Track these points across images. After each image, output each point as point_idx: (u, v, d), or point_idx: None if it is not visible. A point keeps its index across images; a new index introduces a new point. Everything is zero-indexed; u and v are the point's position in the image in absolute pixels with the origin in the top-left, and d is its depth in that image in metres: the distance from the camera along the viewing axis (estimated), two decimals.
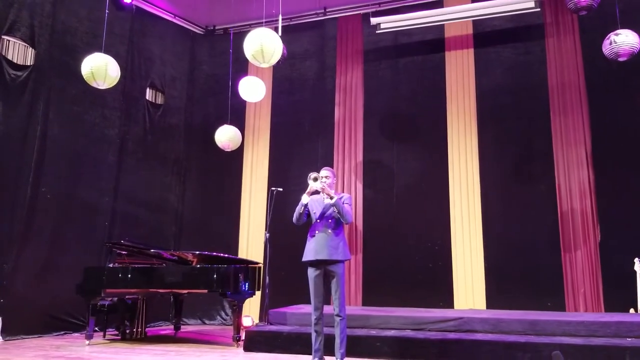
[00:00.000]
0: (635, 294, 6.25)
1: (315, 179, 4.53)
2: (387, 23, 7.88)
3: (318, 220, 4.55)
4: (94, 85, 5.91)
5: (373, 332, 5.27)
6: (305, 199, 4.58)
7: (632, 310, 6.29)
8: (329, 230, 4.50)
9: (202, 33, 9.45)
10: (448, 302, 7.29)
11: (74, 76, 7.03)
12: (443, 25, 8.01)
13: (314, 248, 4.46)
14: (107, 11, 7.01)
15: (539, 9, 7.37)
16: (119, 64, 6.08)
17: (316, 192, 4.59)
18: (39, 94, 6.95)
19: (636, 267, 6.31)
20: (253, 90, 6.88)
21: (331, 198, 4.47)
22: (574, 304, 6.80)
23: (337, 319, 4.38)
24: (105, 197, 7.69)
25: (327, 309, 4.51)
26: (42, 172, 6.89)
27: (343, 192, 7.83)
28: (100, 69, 5.79)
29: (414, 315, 5.58)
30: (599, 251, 6.87)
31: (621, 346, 4.47)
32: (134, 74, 8.35)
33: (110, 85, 6.03)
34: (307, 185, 4.56)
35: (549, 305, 6.83)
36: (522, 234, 7.24)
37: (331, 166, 8.02)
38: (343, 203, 4.53)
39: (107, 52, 6.15)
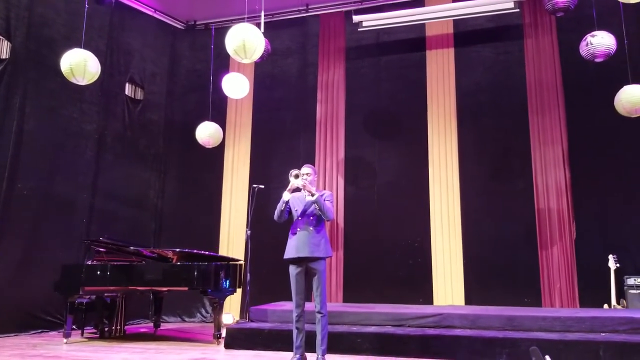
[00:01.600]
0: (609, 290, 6.41)
1: (297, 176, 4.53)
2: (369, 21, 7.92)
3: (299, 218, 4.56)
4: (74, 81, 5.82)
5: (354, 329, 5.30)
6: (286, 195, 4.58)
7: (606, 306, 6.45)
8: (311, 228, 4.50)
9: (182, 28, 9.37)
10: (428, 299, 7.37)
11: (51, 70, 6.91)
12: (424, 24, 8.09)
13: (296, 245, 4.47)
14: (86, 5, 6.90)
15: (518, 10, 7.51)
16: (97, 58, 5.98)
17: (297, 190, 4.59)
18: (15, 87, 6.81)
19: (610, 264, 6.47)
20: (237, 86, 6.84)
21: (312, 195, 4.48)
22: (550, 300, 6.93)
23: (319, 315, 4.40)
24: (84, 194, 7.57)
25: (308, 306, 4.53)
26: (19, 167, 6.76)
27: (325, 189, 7.87)
28: (79, 65, 5.71)
29: (394, 312, 5.64)
30: (575, 248, 7.01)
31: (595, 341, 4.57)
32: (113, 69, 8.23)
33: (91, 81, 5.94)
34: (289, 182, 4.57)
35: (526, 301, 6.96)
36: (500, 231, 7.36)
37: (313, 163, 8.04)
38: (324, 200, 4.54)
39: (85, 46, 6.06)
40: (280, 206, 4.59)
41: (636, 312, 5.40)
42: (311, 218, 4.53)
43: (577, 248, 7.01)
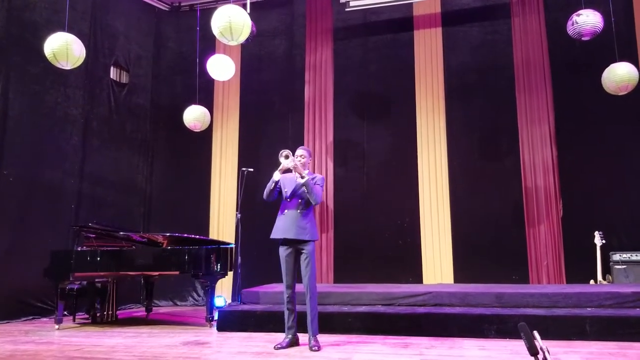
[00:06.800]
0: (595, 266, 6.52)
1: (287, 157, 4.51)
2: (356, 1, 7.85)
3: (288, 199, 4.56)
4: (58, 65, 5.73)
5: (345, 309, 5.35)
6: (276, 175, 4.56)
7: (592, 282, 6.57)
8: (298, 211, 4.51)
9: (167, 10, 9.22)
10: (417, 277, 7.46)
11: (34, 54, 6.78)
12: (411, 3, 8.04)
13: (282, 226, 4.49)
14: None
15: None
16: (81, 41, 5.86)
17: (289, 170, 4.58)
18: None
19: (596, 240, 6.58)
20: (222, 68, 6.77)
21: (302, 177, 4.48)
22: (538, 277, 7.04)
23: (308, 296, 4.43)
24: (71, 179, 7.51)
25: (299, 287, 4.56)
26: (4, 154, 6.67)
27: (315, 171, 7.88)
28: (62, 49, 5.60)
29: (385, 291, 5.69)
30: (561, 225, 7.11)
31: (581, 316, 4.66)
32: (98, 51, 8.09)
33: (75, 65, 5.84)
34: (279, 164, 4.55)
35: (514, 278, 7.06)
36: (488, 209, 7.43)
37: (302, 145, 8.01)
38: (315, 183, 4.55)
39: (69, 29, 5.94)
40: (269, 185, 4.58)
41: (621, 287, 5.51)
42: (300, 200, 4.53)
43: (564, 225, 7.11)
